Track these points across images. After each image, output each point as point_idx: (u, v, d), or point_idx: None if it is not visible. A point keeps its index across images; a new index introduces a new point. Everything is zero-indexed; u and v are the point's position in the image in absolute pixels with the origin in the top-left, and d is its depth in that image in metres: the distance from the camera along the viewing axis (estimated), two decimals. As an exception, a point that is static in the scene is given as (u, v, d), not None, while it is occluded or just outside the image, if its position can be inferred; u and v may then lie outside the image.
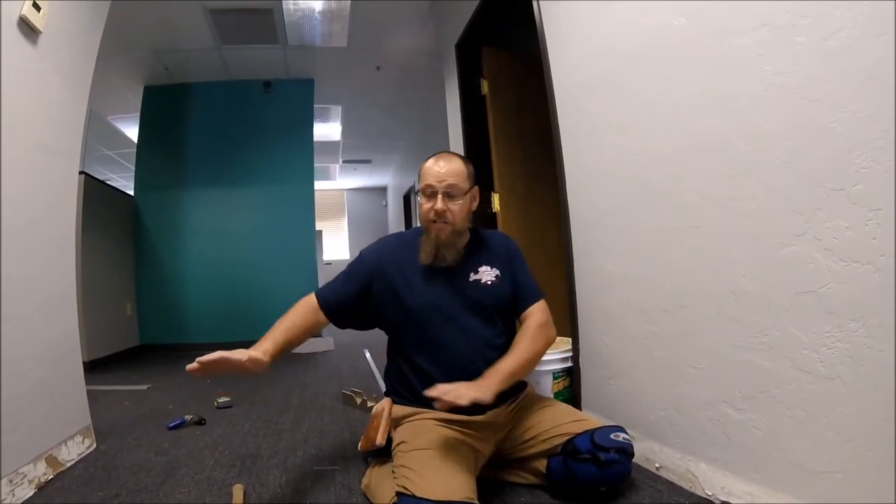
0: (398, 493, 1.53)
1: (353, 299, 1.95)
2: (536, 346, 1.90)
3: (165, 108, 6.42)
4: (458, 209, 1.90)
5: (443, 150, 2.09)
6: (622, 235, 2.14)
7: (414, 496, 1.48)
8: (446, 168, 1.90)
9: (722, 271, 1.65)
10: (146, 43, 5.46)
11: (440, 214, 1.87)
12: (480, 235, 2.07)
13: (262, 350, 1.67)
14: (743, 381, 1.58)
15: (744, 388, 1.58)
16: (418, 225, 2.07)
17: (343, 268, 2.03)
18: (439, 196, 1.87)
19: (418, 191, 1.95)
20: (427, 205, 1.90)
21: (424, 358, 1.87)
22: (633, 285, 2.08)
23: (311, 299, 1.95)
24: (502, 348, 1.91)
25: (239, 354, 1.59)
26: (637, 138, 2.03)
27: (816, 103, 1.32)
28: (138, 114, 6.43)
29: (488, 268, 1.98)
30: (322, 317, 1.93)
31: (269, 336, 1.77)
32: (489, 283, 1.95)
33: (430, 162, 1.95)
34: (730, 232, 1.61)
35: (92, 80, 2.70)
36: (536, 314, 1.97)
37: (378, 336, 2.06)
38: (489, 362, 1.82)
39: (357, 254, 2.04)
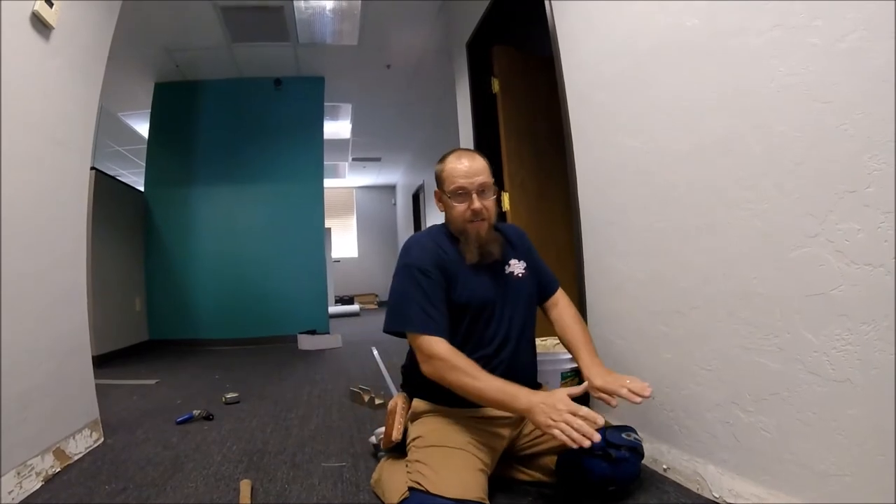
0: (411, 489, 1.53)
1: (446, 305, 1.82)
2: (588, 332, 2.01)
3: (176, 105, 6.47)
4: (491, 204, 1.89)
5: (456, 147, 2.04)
6: (635, 235, 2.13)
7: (427, 492, 1.49)
8: (473, 166, 1.87)
9: (734, 272, 1.64)
10: (157, 40, 5.49)
11: (478, 213, 1.85)
12: (499, 229, 2.05)
13: (530, 393, 1.60)
14: (752, 383, 1.58)
15: (753, 390, 1.57)
16: (434, 224, 2.04)
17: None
18: (474, 195, 1.85)
19: (447, 194, 1.90)
20: (461, 206, 1.86)
21: (469, 351, 1.80)
22: (645, 286, 2.08)
23: (443, 349, 1.71)
24: (530, 342, 1.97)
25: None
26: (650, 138, 2.02)
27: (829, 105, 1.31)
28: (149, 110, 6.48)
29: (516, 261, 1.99)
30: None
31: (505, 388, 1.62)
32: (520, 275, 1.97)
33: (452, 162, 1.90)
34: (742, 233, 1.60)
35: (103, 76, 2.71)
36: (567, 300, 2.10)
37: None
38: (526, 353, 1.92)
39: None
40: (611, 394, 1.68)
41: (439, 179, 1.95)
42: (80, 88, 2.51)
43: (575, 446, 1.40)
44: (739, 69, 1.58)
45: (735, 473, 1.64)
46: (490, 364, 1.79)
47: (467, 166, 1.87)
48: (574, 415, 1.46)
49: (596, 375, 1.77)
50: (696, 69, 1.77)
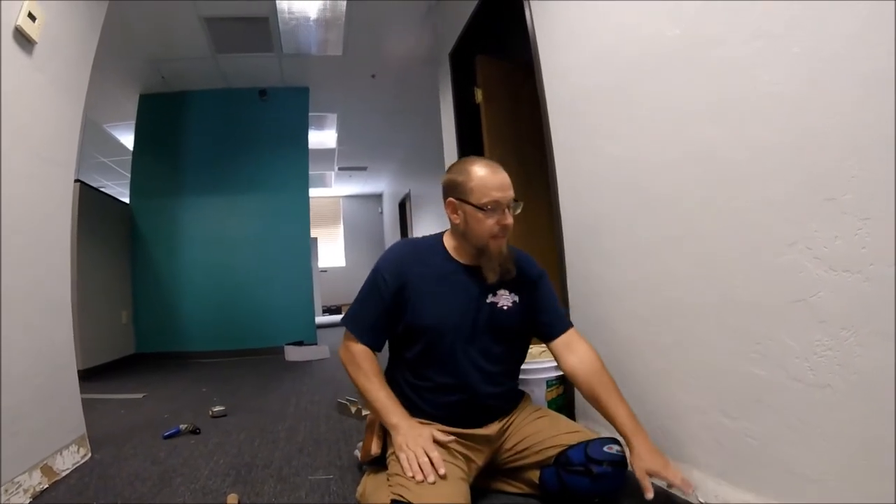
0: (393, 501, 1.53)
1: (384, 321, 1.85)
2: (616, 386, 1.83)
3: (161, 117, 6.44)
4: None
5: (469, 156, 1.96)
6: (619, 243, 2.14)
7: (409, 503, 1.48)
8: (506, 179, 1.80)
9: (717, 280, 1.65)
10: (142, 51, 5.47)
11: (507, 229, 1.79)
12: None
13: (405, 416, 1.76)
14: (737, 390, 1.59)
15: (737, 396, 1.59)
16: (437, 233, 1.98)
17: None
18: (506, 210, 1.78)
19: (478, 206, 1.76)
20: (490, 220, 1.76)
21: (432, 373, 1.82)
22: (630, 293, 2.09)
23: (361, 348, 1.84)
24: (504, 374, 1.91)
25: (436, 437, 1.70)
26: (633, 146, 2.03)
27: (810, 112, 1.33)
28: (134, 121, 6.46)
29: (507, 292, 1.89)
30: (376, 356, 1.88)
31: (388, 400, 1.78)
32: (505, 308, 1.87)
33: (482, 171, 1.79)
34: (725, 240, 1.61)
35: (87, 88, 2.71)
36: (586, 346, 1.90)
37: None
38: (493, 386, 1.85)
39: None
40: (656, 476, 1.59)
41: (463, 189, 1.80)
42: (65, 103, 2.50)
43: (409, 475, 1.55)
44: (722, 78, 1.60)
45: (721, 479, 1.65)
46: (451, 393, 1.81)
47: (501, 179, 1.80)
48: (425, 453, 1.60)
49: (642, 458, 1.63)
50: (679, 78, 1.78)
